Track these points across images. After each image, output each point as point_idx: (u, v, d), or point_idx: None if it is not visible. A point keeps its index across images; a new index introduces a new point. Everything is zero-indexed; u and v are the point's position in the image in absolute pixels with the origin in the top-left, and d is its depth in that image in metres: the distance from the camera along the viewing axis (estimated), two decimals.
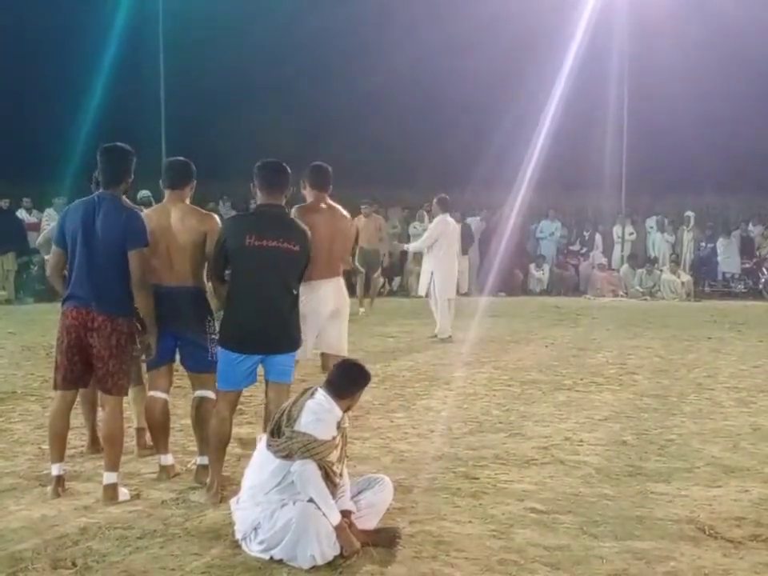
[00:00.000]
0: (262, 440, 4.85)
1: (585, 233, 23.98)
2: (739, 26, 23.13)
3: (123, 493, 5.57)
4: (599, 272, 22.11)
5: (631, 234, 23.43)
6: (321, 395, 4.81)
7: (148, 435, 6.51)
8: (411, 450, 6.82)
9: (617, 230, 23.60)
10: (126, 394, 5.84)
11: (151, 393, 6.10)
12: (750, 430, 7.58)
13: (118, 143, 5.73)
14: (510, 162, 20.62)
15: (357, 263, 15.63)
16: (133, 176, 5.71)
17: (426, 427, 7.55)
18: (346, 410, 4.90)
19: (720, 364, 11.09)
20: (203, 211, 6.17)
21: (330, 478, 4.67)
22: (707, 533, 5.04)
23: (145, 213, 6.05)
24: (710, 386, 9.57)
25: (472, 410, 8.23)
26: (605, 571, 4.52)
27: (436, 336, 12.98)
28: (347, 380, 4.90)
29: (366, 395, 8.48)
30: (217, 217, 6.07)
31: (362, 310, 15.96)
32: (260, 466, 4.76)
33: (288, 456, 4.61)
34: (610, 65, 23.65)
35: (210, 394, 5.91)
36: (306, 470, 4.58)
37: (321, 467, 4.63)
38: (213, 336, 5.90)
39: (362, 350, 11.43)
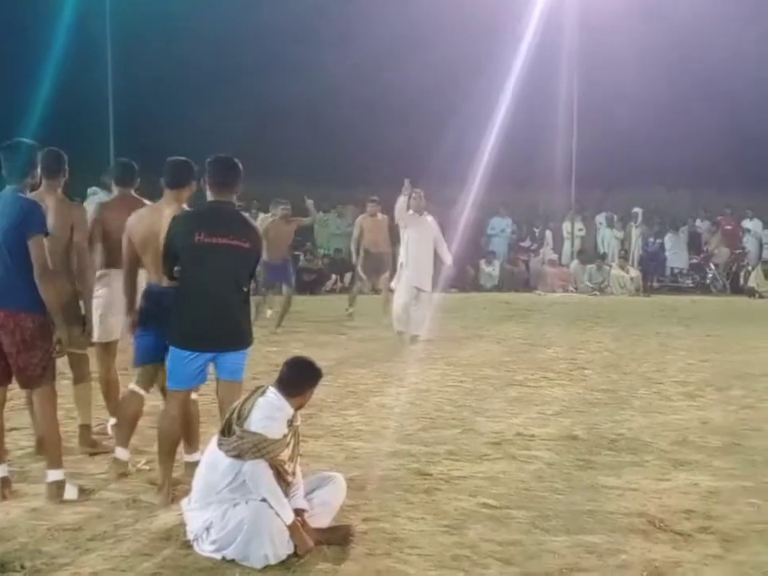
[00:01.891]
0: (213, 439, 4.82)
1: (535, 229, 24.16)
2: (689, 25, 23.41)
3: (70, 490, 5.47)
4: (549, 268, 22.28)
5: (581, 230, 23.66)
6: (272, 393, 4.78)
7: (98, 428, 6.44)
8: (364, 447, 6.82)
9: (566, 227, 23.80)
10: (47, 382, 5.47)
11: (131, 386, 6.05)
12: (698, 423, 7.68)
13: (20, 139, 5.62)
14: (463, 159, 20.68)
15: (360, 270, 15.14)
16: (38, 170, 5.61)
17: (378, 424, 7.55)
18: (297, 407, 4.87)
19: (668, 358, 11.23)
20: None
21: (282, 477, 4.65)
22: (657, 526, 5.11)
23: (139, 211, 6.05)
24: (658, 381, 9.69)
25: (425, 407, 8.24)
26: (557, 565, 4.56)
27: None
28: (298, 377, 4.88)
29: (319, 393, 8.45)
30: None
31: (351, 309, 15.38)
32: (211, 465, 4.72)
33: (239, 456, 4.58)
34: (560, 62, 23.84)
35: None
36: (258, 470, 4.56)
37: (272, 466, 4.60)
38: None
39: (314, 347, 11.40)
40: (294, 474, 4.79)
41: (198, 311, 5.41)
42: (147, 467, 6.09)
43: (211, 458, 4.75)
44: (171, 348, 5.47)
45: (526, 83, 22.34)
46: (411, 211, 12.45)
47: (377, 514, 5.22)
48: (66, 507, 5.32)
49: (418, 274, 12.49)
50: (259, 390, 4.83)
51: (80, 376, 6.65)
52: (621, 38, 22.98)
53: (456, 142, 21.16)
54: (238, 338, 5.53)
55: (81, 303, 6.23)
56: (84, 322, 6.13)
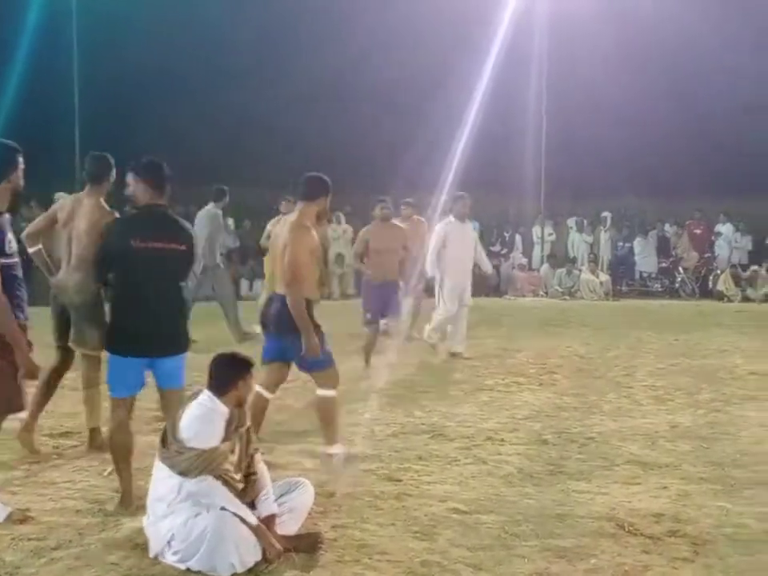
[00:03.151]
0: (157, 454, 4.75)
1: (505, 234, 24.20)
2: (658, 32, 23.61)
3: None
4: (519, 272, 22.32)
5: (551, 234, 23.75)
6: (204, 395, 4.73)
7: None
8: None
9: (536, 231, 23.89)
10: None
11: (257, 387, 6.25)
12: (667, 427, 7.71)
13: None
14: (433, 164, 20.70)
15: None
16: (16, 173, 5.27)
17: (348, 430, 7.47)
18: (235, 405, 4.78)
19: (638, 362, 11.26)
20: (304, 226, 6.37)
21: (230, 485, 4.57)
22: (627, 529, 5.11)
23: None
24: (628, 385, 9.72)
25: (395, 412, 8.21)
26: (527, 570, 4.55)
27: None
28: (225, 374, 4.78)
29: (288, 399, 8.45)
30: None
31: (416, 335, 12.38)
32: (158, 479, 4.66)
33: (182, 473, 4.51)
34: (530, 67, 23.94)
35: (328, 393, 6.49)
36: (205, 487, 4.50)
37: (219, 477, 4.54)
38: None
39: None
40: (247, 479, 4.71)
41: (135, 316, 5.41)
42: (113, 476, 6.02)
43: (157, 472, 4.69)
44: (110, 356, 5.47)
45: (496, 88, 22.42)
46: (452, 218, 11.39)
47: (346, 521, 5.19)
48: (30, 516, 5.24)
49: (463, 285, 11.69)
50: (194, 395, 4.78)
51: (88, 379, 6.65)
52: (591, 43, 23.13)
53: (426, 147, 21.17)
54: (175, 342, 5.56)
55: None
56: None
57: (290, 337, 6.28)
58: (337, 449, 6.50)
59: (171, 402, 5.43)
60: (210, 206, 12.93)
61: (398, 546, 4.82)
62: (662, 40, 23.63)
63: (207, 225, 12.67)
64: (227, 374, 4.78)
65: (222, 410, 4.70)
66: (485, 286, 22.17)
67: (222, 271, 13.04)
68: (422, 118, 22.16)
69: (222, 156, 24.43)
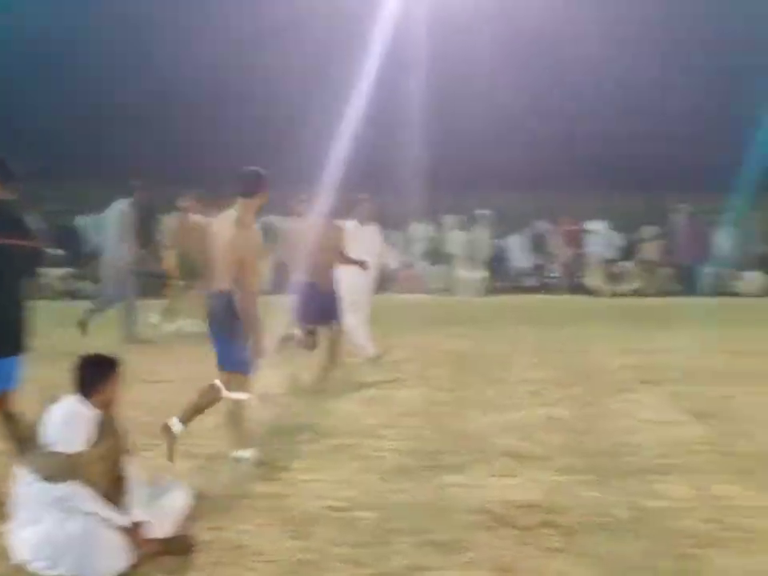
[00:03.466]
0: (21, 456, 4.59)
1: (385, 231, 24.28)
2: (539, 28, 24.01)
3: None
4: (399, 270, 22.44)
5: (429, 232, 23.98)
6: (70, 398, 4.60)
7: None
8: (209, 453, 6.67)
9: (416, 228, 24.08)
10: None
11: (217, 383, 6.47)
12: (542, 420, 7.84)
13: None
14: (310, 165, 20.60)
15: None
16: None
17: (225, 430, 7.39)
18: (103, 406, 4.66)
19: (514, 358, 11.45)
20: (246, 223, 6.38)
21: (99, 489, 4.44)
22: (502, 521, 5.17)
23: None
24: (504, 379, 9.86)
25: (273, 411, 8.15)
26: (404, 565, 4.56)
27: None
28: (88, 374, 4.66)
29: (166, 397, 8.28)
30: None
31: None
32: (23, 483, 4.50)
33: (47, 479, 4.36)
34: (409, 66, 24.09)
35: (239, 395, 6.40)
36: (71, 491, 4.36)
37: (86, 480, 4.40)
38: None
39: (160, 350, 11.11)
40: (117, 482, 4.59)
41: None
42: None
43: (21, 477, 4.53)
44: None
45: (375, 87, 22.47)
46: (353, 221, 11.08)
47: (221, 523, 5.10)
48: None
49: (365, 289, 11.40)
50: (59, 398, 4.64)
51: None
52: (470, 43, 23.42)
53: (303, 148, 21.08)
54: (16, 342, 5.42)
55: None
56: None
57: (221, 336, 6.28)
58: (246, 453, 6.40)
59: (9, 405, 5.27)
60: (120, 204, 12.21)
61: (275, 547, 4.77)
62: (543, 37, 24.07)
63: (116, 223, 12.08)
64: (93, 375, 4.64)
65: (88, 412, 4.56)
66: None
67: (127, 273, 12.36)
68: (298, 120, 22.05)
69: (86, 149, 23.79)
